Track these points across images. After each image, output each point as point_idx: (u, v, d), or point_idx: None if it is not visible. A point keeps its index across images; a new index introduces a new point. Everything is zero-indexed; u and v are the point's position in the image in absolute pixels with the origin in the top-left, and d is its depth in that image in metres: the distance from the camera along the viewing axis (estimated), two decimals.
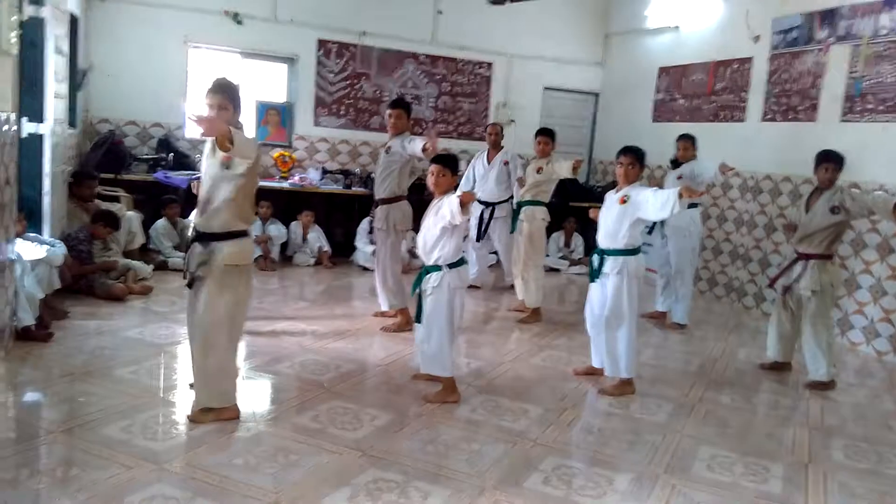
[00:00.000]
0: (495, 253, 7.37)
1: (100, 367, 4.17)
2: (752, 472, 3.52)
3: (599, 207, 4.61)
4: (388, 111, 5.58)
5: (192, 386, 3.65)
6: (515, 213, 6.35)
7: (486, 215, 6.85)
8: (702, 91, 8.09)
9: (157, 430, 3.40)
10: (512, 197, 6.75)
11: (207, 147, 3.50)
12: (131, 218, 6.64)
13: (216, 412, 3.55)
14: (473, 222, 6.73)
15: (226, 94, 3.41)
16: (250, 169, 3.35)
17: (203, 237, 3.45)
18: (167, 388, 3.97)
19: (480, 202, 6.72)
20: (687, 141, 6.37)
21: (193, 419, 3.51)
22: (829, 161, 4.92)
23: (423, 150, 4.92)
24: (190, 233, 3.65)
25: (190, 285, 3.51)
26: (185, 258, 3.62)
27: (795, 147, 6.78)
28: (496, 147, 6.94)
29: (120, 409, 3.59)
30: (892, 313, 5.84)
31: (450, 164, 4.10)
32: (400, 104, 5.61)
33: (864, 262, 6.07)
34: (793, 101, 6.88)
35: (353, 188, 8.11)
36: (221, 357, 3.52)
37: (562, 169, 5.98)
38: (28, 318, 4.33)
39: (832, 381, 4.96)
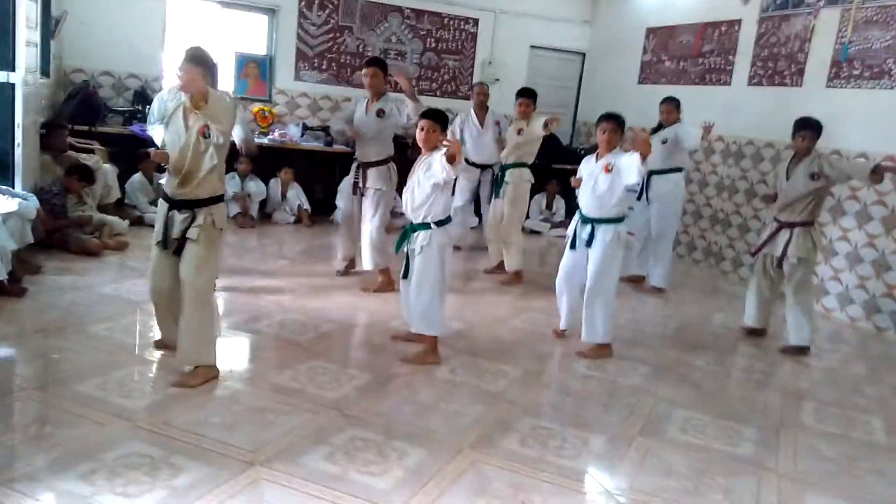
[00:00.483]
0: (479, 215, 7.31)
1: (74, 323, 4.12)
2: (725, 435, 3.58)
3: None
4: (364, 70, 5.48)
5: (159, 345, 3.77)
6: (501, 177, 6.27)
7: (481, 178, 6.73)
8: (689, 53, 8.01)
9: (132, 388, 3.38)
10: None
11: (179, 114, 3.46)
12: (107, 171, 6.50)
13: (204, 372, 3.53)
14: (466, 185, 6.58)
15: (201, 65, 3.36)
16: (226, 134, 3.39)
17: (185, 204, 3.46)
18: (142, 345, 3.93)
19: (477, 165, 6.59)
20: (670, 104, 6.33)
21: (183, 384, 3.45)
22: (807, 128, 4.93)
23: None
24: (161, 199, 3.62)
25: (177, 251, 3.50)
26: (157, 221, 3.62)
27: (779, 112, 6.74)
28: (483, 108, 6.75)
29: (94, 365, 3.55)
30: (867, 280, 5.91)
31: (441, 119, 4.00)
32: (375, 62, 5.50)
33: (841, 230, 6.11)
34: (780, 66, 6.84)
35: (335, 145, 7.99)
36: (211, 314, 3.60)
37: (536, 127, 5.92)
38: (0, 272, 4.25)
39: (808, 347, 5.03)
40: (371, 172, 5.47)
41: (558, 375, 4.25)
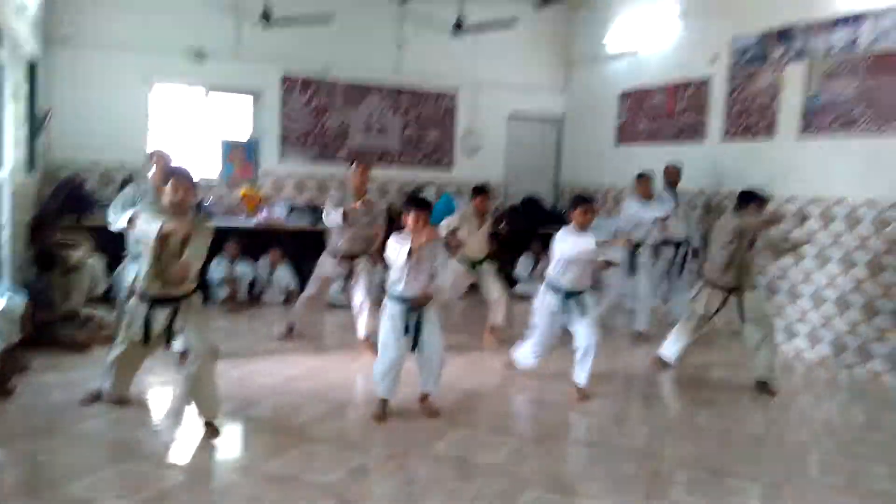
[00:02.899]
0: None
1: (63, 422, 4.03)
2: (731, 494, 3.51)
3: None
4: (359, 164, 5.69)
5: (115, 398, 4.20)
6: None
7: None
8: (662, 113, 8.21)
9: (123, 486, 3.29)
10: None
11: (157, 221, 3.79)
12: (93, 264, 6.49)
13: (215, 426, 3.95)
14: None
15: (192, 181, 3.96)
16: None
17: (167, 300, 3.92)
18: (133, 440, 3.85)
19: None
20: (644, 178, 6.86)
21: (216, 433, 3.90)
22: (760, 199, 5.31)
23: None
24: (139, 299, 3.98)
25: (168, 343, 4.04)
26: (134, 321, 4.00)
27: (755, 164, 6.90)
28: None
29: (85, 465, 3.47)
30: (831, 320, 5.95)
31: (429, 207, 4.36)
32: (364, 158, 6.03)
33: (827, 277, 6.15)
34: (751, 120, 7.01)
35: (321, 224, 8.02)
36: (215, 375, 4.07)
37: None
38: None
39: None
40: (359, 262, 5.81)
41: (558, 443, 4.18)
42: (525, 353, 5.28)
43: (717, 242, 5.28)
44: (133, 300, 4.06)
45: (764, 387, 5.20)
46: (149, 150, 5.47)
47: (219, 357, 4.05)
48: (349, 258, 5.82)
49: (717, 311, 5.30)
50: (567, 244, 4.73)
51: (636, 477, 3.67)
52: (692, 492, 3.51)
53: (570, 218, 4.87)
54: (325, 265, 5.91)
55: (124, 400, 4.27)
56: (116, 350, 4.14)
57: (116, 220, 4.78)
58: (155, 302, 3.92)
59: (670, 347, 5.65)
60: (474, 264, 6.33)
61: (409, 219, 4.25)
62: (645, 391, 5.23)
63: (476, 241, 6.23)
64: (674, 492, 3.51)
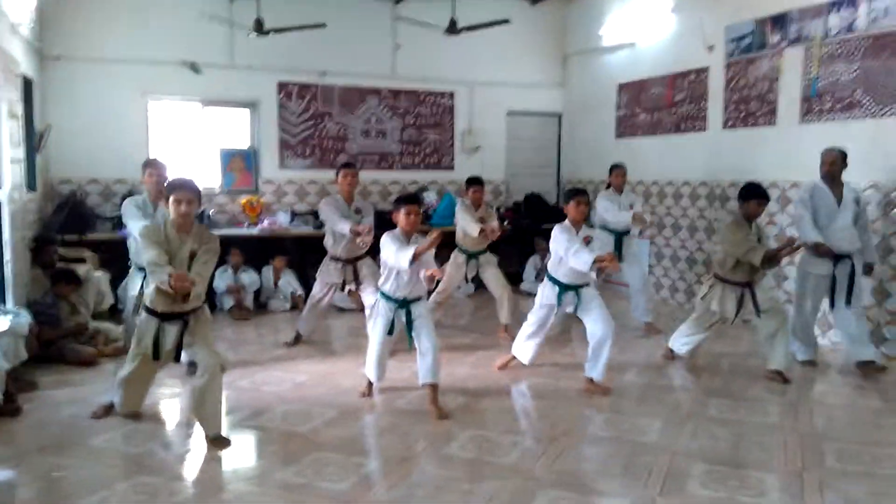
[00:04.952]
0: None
1: (73, 437, 4.02)
2: (748, 486, 3.47)
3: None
4: (342, 172, 5.82)
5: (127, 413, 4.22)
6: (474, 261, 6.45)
7: None
8: (662, 104, 8.17)
9: (137, 500, 3.27)
10: None
11: (173, 237, 3.87)
12: (98, 278, 6.49)
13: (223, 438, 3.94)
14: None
15: (194, 191, 3.91)
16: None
17: (176, 316, 3.93)
18: (144, 454, 3.83)
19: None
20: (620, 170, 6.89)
21: (223, 445, 3.88)
22: (763, 196, 5.13)
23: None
24: (148, 314, 3.99)
25: (177, 358, 4.04)
26: (145, 337, 4.00)
27: (757, 152, 6.86)
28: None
29: (97, 480, 3.46)
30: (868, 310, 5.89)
31: (420, 203, 4.52)
32: (351, 165, 5.98)
33: None
34: (751, 107, 6.97)
35: (325, 229, 8.00)
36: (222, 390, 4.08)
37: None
38: None
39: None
40: (362, 265, 5.85)
41: (571, 440, 4.15)
42: (523, 346, 5.28)
43: (727, 241, 5.18)
44: (143, 316, 4.04)
45: (778, 375, 5.15)
46: (143, 161, 5.46)
47: (227, 370, 4.03)
48: (352, 261, 5.82)
49: (738, 310, 5.18)
50: (561, 245, 4.72)
51: (651, 471, 3.64)
52: (708, 485, 3.48)
53: (565, 211, 4.88)
54: (328, 270, 5.90)
55: (136, 414, 4.28)
56: (127, 368, 4.13)
57: (136, 226, 4.86)
58: (164, 318, 3.91)
59: (679, 339, 5.62)
60: (471, 256, 6.32)
61: (401, 215, 4.40)
62: (656, 383, 5.19)
63: None
64: (690, 485, 3.48)
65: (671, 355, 5.68)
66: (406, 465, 3.71)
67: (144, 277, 5.07)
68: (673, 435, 4.16)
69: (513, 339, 6.26)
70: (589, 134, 9.47)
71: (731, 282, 5.19)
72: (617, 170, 6.86)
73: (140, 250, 4.10)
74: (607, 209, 6.71)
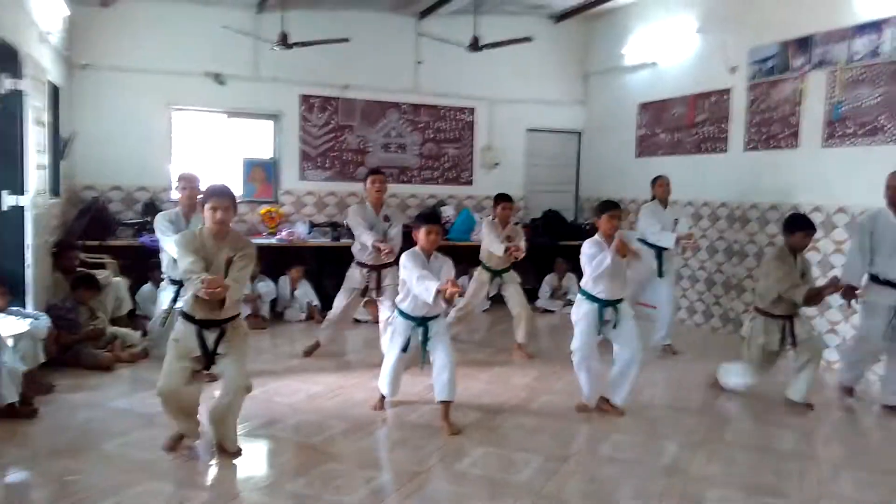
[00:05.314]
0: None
1: (88, 442, 4.05)
2: None
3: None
4: (371, 178, 5.78)
5: (176, 442, 3.97)
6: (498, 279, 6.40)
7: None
8: (683, 124, 8.15)
9: None
10: None
11: (209, 244, 3.80)
12: (117, 284, 6.56)
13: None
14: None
15: (230, 197, 3.86)
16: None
17: (213, 323, 3.82)
18: (157, 460, 3.84)
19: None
20: (665, 179, 6.70)
21: (232, 454, 3.89)
22: (810, 227, 4.97)
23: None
24: (185, 321, 3.87)
25: (209, 365, 3.88)
26: (186, 339, 3.85)
27: (779, 175, 6.81)
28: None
29: (110, 485, 3.47)
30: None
31: (440, 222, 4.53)
32: (378, 171, 5.93)
33: None
34: (773, 130, 6.93)
35: (342, 240, 8.06)
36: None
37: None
38: (11, 395, 4.21)
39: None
40: (385, 273, 5.80)
41: (584, 460, 4.11)
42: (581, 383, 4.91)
43: (770, 276, 4.99)
44: (178, 323, 3.92)
45: (796, 405, 5.04)
46: (175, 174, 5.56)
47: (251, 391, 3.96)
48: (377, 269, 5.81)
49: (783, 341, 4.99)
50: (592, 260, 4.61)
51: (666, 495, 3.59)
52: None
53: (596, 225, 4.78)
54: (353, 276, 5.89)
55: (189, 435, 4.01)
56: (162, 381, 3.83)
57: (169, 241, 4.98)
58: (202, 325, 3.81)
59: (733, 378, 5.30)
60: (496, 274, 6.30)
61: (421, 234, 4.37)
62: (672, 405, 5.14)
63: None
64: None
65: (719, 388, 5.39)
66: (417, 480, 3.69)
67: (176, 292, 5.17)
68: (688, 458, 4.10)
69: (528, 357, 6.27)
70: (609, 152, 9.45)
71: (773, 315, 5.02)
72: (660, 180, 6.65)
73: (174, 261, 4.02)
74: (651, 226, 6.51)
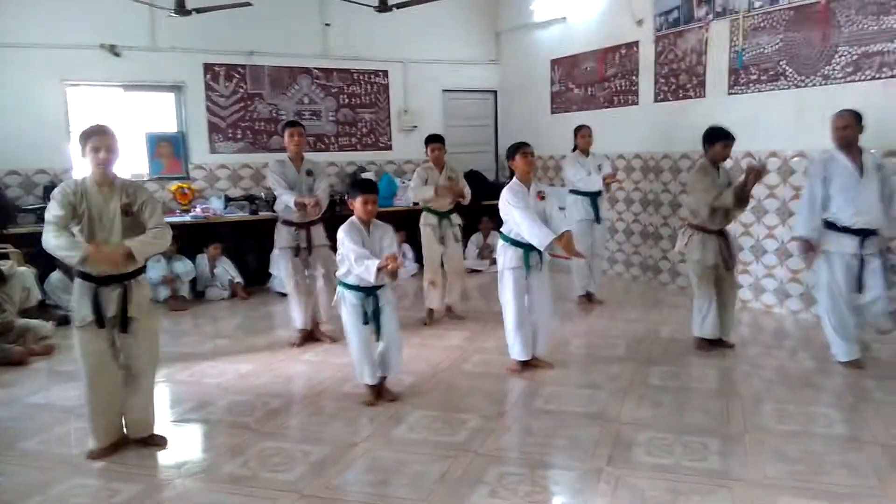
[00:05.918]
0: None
1: (5, 441, 3.85)
2: (691, 451, 3.57)
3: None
4: (288, 131, 5.51)
5: (99, 454, 3.63)
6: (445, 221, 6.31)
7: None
8: (594, 79, 8.24)
9: (76, 503, 3.15)
10: None
11: (93, 193, 3.48)
12: (23, 274, 6.20)
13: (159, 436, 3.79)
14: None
15: (112, 135, 3.51)
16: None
17: (113, 279, 3.50)
18: (80, 454, 3.68)
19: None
20: (587, 129, 6.74)
21: (157, 444, 3.74)
22: (730, 137, 5.04)
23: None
24: (81, 279, 3.53)
25: (123, 327, 3.54)
26: (82, 305, 3.52)
27: (688, 124, 6.98)
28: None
29: (31, 485, 3.32)
30: (798, 273, 6.10)
31: (376, 191, 4.33)
32: (298, 123, 5.65)
33: (767, 228, 6.31)
34: (681, 80, 7.09)
35: (261, 213, 7.85)
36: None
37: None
38: None
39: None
40: (315, 230, 5.56)
41: (518, 416, 4.19)
42: (514, 343, 4.86)
43: (696, 189, 5.03)
44: (76, 284, 3.57)
45: (720, 342, 5.24)
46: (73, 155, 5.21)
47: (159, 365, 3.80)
48: (305, 226, 5.53)
49: (724, 255, 4.98)
50: (513, 207, 4.55)
51: (598, 442, 3.70)
52: (653, 452, 3.55)
53: (512, 168, 4.75)
54: (281, 234, 5.59)
55: (117, 444, 3.72)
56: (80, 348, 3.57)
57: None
58: (100, 282, 3.48)
59: (699, 322, 5.21)
60: (442, 216, 6.25)
61: (358, 203, 4.22)
62: (598, 354, 5.28)
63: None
64: (636, 454, 3.55)
65: (706, 346, 5.24)
66: (355, 450, 3.67)
67: None
68: (617, 405, 4.23)
69: (458, 318, 6.31)
70: (525, 110, 9.49)
71: (708, 230, 5.04)
72: (583, 130, 6.71)
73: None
74: (576, 174, 6.59)
